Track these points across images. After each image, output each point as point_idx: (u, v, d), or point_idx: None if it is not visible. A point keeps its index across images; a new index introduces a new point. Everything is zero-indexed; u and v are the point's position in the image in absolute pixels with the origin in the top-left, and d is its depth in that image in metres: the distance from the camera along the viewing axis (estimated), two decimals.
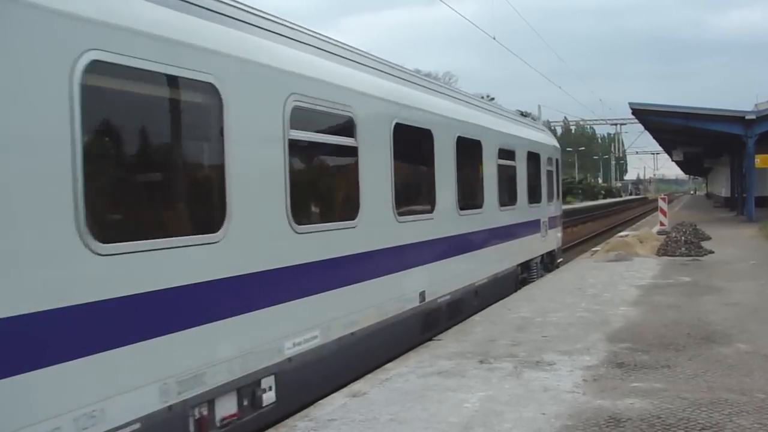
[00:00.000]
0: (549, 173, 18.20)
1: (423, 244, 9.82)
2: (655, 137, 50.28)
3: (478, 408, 6.33)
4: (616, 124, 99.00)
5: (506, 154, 13.86)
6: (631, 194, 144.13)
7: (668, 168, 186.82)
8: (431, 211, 10.23)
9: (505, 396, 6.68)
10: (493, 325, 10.20)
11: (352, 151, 8.06)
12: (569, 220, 50.17)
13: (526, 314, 10.92)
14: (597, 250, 22.12)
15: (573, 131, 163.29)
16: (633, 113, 36.07)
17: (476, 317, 11.06)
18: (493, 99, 16.45)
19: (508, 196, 14.10)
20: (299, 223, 6.92)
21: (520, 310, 11.34)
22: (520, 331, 9.70)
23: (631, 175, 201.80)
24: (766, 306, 11.20)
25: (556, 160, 19.54)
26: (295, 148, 6.90)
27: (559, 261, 19.50)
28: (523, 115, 18.35)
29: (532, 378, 7.28)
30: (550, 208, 18.15)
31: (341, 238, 7.76)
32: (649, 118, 36.51)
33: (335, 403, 6.60)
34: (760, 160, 32.33)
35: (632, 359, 7.93)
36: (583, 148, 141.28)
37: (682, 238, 20.89)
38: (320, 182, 8.08)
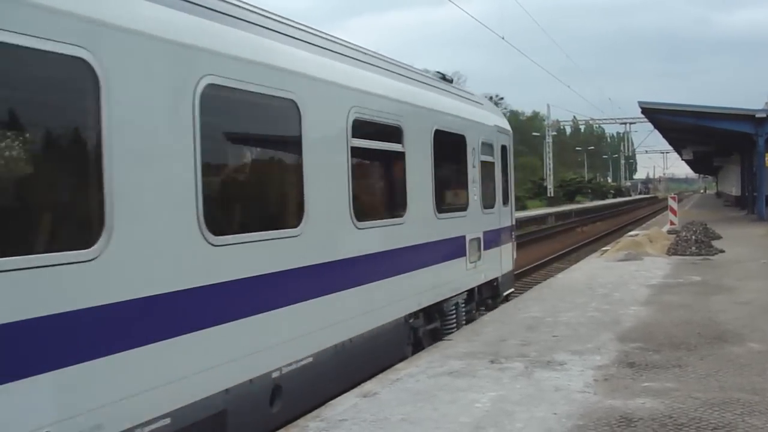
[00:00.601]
0: (487, 166, 12.23)
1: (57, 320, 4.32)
2: (664, 136, 50.12)
3: (489, 408, 6.34)
4: (625, 123, 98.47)
5: (377, 131, 8.45)
6: (640, 193, 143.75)
7: (678, 167, 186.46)
8: (90, 244, 4.52)
9: (516, 396, 6.68)
10: (503, 325, 10.20)
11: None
12: (580, 219, 50.43)
13: (537, 314, 10.91)
14: (607, 250, 22.10)
15: (582, 130, 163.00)
16: (642, 112, 35.99)
17: (486, 317, 11.07)
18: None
19: (381, 204, 9.20)
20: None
21: (530, 309, 11.33)
22: (531, 330, 9.69)
23: (640, 174, 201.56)
24: None
25: (503, 147, 13.34)
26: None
27: (508, 292, 13.43)
28: (446, 80, 11.82)
29: (543, 378, 7.28)
30: (487, 219, 12.08)
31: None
32: (659, 117, 36.41)
33: (346, 403, 6.62)
34: None
35: (643, 359, 7.92)
36: (592, 147, 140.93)
37: (693, 237, 20.83)
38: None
